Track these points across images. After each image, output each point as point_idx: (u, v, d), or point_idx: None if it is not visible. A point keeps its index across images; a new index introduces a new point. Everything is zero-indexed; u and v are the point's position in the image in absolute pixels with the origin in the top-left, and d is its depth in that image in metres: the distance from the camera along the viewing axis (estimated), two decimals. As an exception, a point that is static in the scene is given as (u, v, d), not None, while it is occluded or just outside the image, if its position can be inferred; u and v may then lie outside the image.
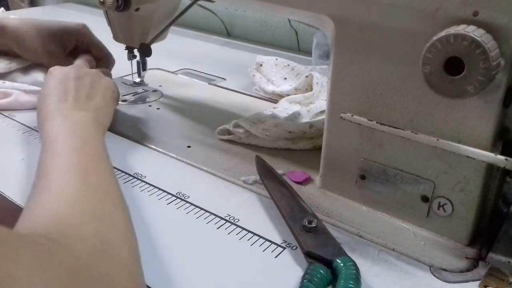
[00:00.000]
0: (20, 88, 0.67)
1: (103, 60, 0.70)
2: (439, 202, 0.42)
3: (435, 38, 0.34)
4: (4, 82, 0.68)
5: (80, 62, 0.64)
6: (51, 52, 0.68)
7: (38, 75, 0.69)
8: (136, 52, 0.68)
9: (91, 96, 0.54)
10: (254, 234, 0.43)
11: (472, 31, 0.33)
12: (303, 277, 0.36)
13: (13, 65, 0.70)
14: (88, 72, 0.58)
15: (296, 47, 1.02)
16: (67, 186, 0.37)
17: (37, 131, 0.60)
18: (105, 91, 0.56)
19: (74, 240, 0.31)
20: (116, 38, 0.67)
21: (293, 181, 0.51)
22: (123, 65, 0.72)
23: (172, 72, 0.85)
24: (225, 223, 0.44)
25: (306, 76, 0.71)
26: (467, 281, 0.38)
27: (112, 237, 0.34)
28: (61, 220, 0.33)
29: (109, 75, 0.65)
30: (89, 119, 0.49)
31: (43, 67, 0.70)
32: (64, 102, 0.51)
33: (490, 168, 0.39)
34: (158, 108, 0.69)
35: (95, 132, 0.48)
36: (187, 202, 0.47)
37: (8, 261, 0.25)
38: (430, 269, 0.39)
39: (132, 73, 0.72)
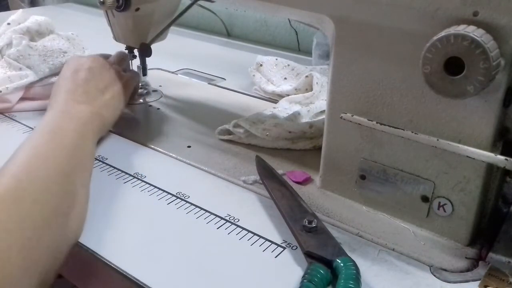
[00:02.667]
0: None
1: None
2: (439, 202, 0.42)
3: (435, 38, 0.34)
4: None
5: (100, 54, 0.61)
6: None
7: None
8: (136, 52, 0.68)
9: (100, 89, 0.51)
10: (254, 234, 0.43)
11: (472, 31, 0.33)
12: (303, 277, 0.36)
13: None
14: (103, 64, 0.55)
15: (296, 47, 1.02)
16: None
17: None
18: (116, 85, 0.54)
19: None
20: (116, 38, 0.67)
21: (293, 181, 0.51)
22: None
23: (172, 72, 0.85)
24: (225, 223, 0.44)
25: (306, 76, 0.71)
26: (467, 281, 0.38)
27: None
28: None
29: (129, 69, 0.61)
30: (88, 113, 0.48)
31: None
32: (71, 93, 0.49)
33: (490, 168, 0.39)
34: (158, 108, 0.69)
35: (91, 128, 0.47)
36: (187, 202, 0.47)
37: None
38: (430, 269, 0.39)
39: None
